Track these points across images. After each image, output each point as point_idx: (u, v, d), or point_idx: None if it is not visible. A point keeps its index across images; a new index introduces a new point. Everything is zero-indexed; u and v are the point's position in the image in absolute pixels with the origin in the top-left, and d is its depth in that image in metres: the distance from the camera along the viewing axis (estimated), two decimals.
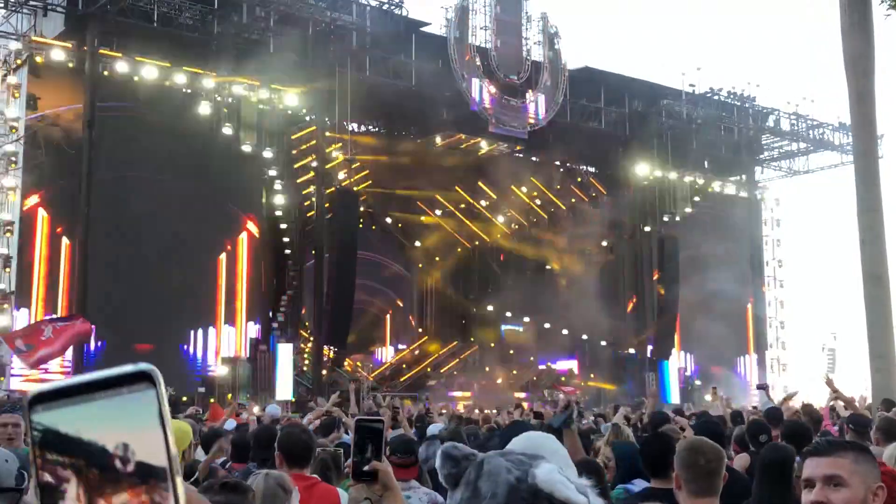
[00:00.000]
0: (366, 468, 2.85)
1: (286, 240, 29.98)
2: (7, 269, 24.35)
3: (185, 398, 22.97)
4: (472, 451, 1.45)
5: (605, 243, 37.97)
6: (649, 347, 35.97)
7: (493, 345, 40.01)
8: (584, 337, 37.37)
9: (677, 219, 37.08)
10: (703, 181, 38.83)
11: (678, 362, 36.80)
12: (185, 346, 26.84)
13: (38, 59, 25.08)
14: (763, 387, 14.26)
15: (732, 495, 4.14)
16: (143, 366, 0.88)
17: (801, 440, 6.07)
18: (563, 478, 1.38)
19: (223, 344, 27.55)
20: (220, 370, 26.85)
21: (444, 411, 18.10)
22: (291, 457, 4.50)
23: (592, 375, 37.03)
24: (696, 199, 38.27)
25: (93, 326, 16.97)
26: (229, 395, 25.21)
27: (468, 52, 31.10)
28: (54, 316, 19.62)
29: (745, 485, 5.14)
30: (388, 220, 39.57)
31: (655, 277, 36.15)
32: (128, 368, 0.88)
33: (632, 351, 36.13)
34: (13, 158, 24.30)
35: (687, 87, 35.59)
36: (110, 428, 0.87)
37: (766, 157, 41.01)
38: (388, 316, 40.30)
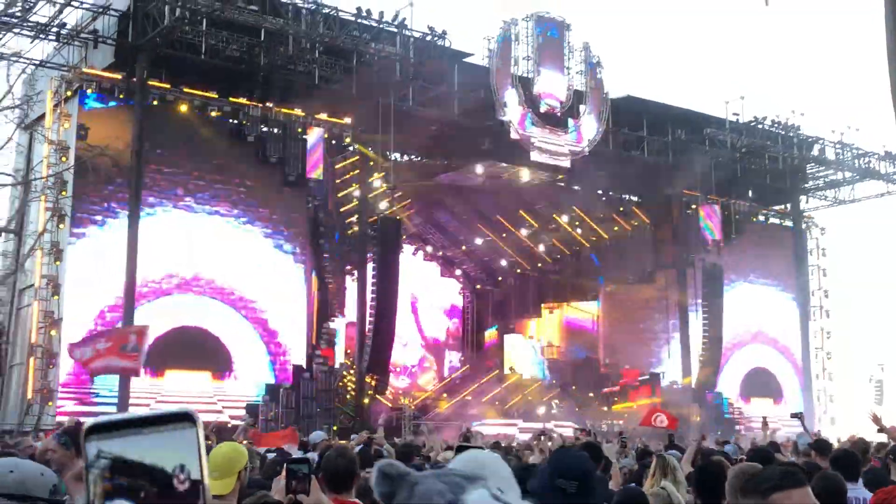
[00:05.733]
0: None
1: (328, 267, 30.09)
2: (56, 297, 24.78)
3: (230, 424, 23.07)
4: (408, 471, 1.35)
5: (648, 272, 37.62)
6: (694, 378, 35.47)
7: (531, 375, 39.81)
8: (627, 367, 37.00)
9: (722, 248, 36.69)
10: (747, 210, 38.51)
11: (724, 392, 36.31)
12: (229, 373, 26.93)
13: (89, 90, 25.62)
14: (797, 416, 13.87)
15: None
16: (185, 407, 1.02)
17: (851, 470, 6.01)
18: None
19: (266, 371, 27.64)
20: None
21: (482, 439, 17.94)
22: (333, 481, 4.50)
23: (636, 407, 36.62)
24: (741, 228, 37.91)
25: (141, 367, 16.85)
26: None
27: (511, 82, 31.23)
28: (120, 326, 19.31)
29: None
30: (430, 248, 39.70)
31: (700, 307, 35.71)
32: (173, 409, 1.02)
33: (676, 381, 35.67)
34: (63, 188, 24.84)
35: (731, 116, 35.34)
36: (159, 458, 0.99)
37: (811, 187, 40.58)
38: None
